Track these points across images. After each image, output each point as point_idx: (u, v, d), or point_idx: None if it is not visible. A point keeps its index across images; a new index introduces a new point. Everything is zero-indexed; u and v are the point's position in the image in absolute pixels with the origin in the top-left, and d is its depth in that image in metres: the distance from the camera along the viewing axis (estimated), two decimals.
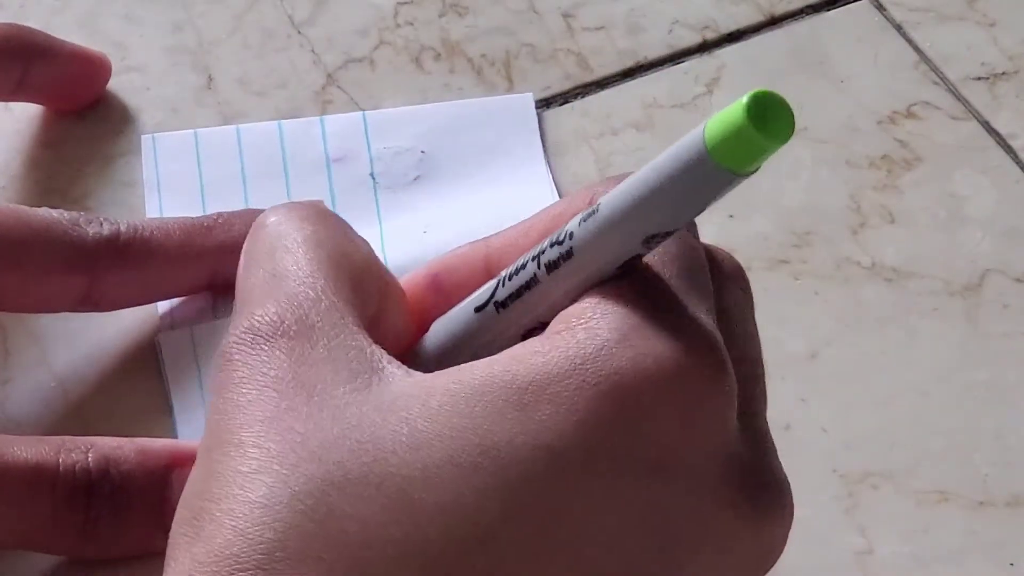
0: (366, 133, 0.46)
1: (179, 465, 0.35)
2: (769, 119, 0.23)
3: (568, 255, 0.26)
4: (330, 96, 0.48)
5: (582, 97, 0.48)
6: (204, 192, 0.45)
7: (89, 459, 0.34)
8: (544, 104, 0.48)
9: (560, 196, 0.45)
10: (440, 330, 0.30)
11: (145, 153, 0.46)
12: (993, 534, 0.38)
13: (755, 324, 0.30)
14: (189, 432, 0.39)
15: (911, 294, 0.43)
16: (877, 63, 0.49)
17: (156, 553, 0.35)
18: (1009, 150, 0.47)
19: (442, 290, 0.31)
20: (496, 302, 0.28)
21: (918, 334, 0.42)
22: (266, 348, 0.26)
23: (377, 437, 0.24)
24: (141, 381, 0.40)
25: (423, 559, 0.23)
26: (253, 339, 0.26)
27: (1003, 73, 0.49)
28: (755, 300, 0.30)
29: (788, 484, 0.28)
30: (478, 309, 0.29)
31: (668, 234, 0.26)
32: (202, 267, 0.40)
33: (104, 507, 0.34)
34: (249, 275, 0.29)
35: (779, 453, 0.28)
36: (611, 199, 0.26)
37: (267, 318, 0.27)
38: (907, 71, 0.49)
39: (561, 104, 0.48)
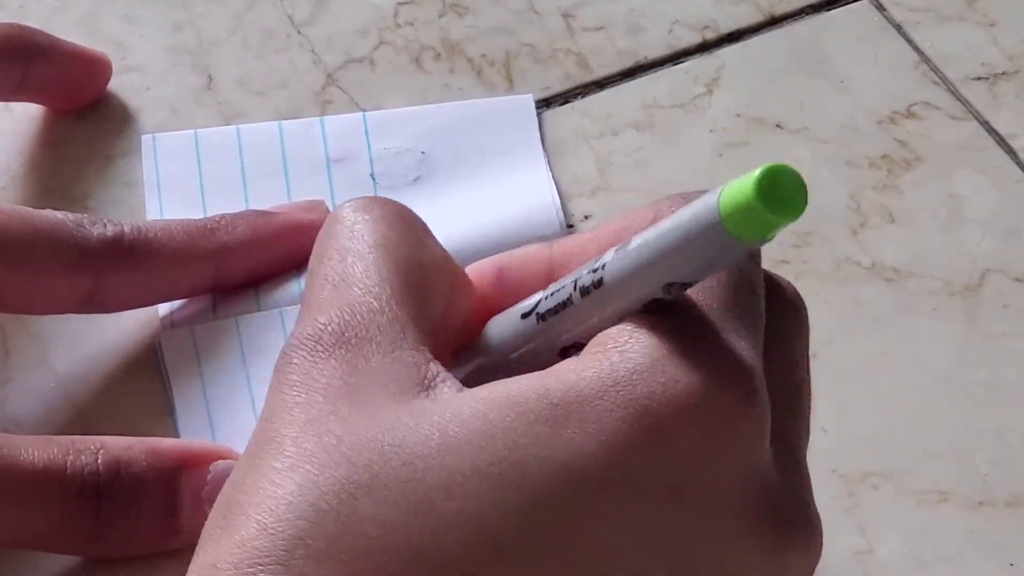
0: (366, 133, 0.46)
1: (188, 466, 0.36)
2: (780, 196, 0.23)
3: (599, 284, 0.27)
4: (330, 96, 0.48)
5: (582, 97, 0.48)
6: (204, 192, 0.45)
7: (99, 461, 0.34)
8: (544, 104, 0.48)
9: (560, 197, 0.45)
10: (493, 328, 0.31)
11: (145, 153, 0.46)
12: (993, 534, 0.38)
13: (806, 356, 0.30)
14: (190, 432, 0.39)
15: (911, 294, 0.43)
16: (877, 63, 0.49)
17: (164, 553, 0.36)
18: (1009, 150, 0.47)
19: (506, 285, 0.31)
20: (538, 313, 0.29)
21: (918, 334, 0.42)
22: (323, 356, 0.27)
23: (408, 441, 0.25)
24: (141, 381, 0.41)
25: (438, 566, 0.24)
26: (313, 346, 0.27)
27: (1003, 73, 0.49)
28: None
29: (819, 520, 0.28)
30: (524, 316, 0.29)
31: (688, 284, 0.26)
32: (205, 268, 0.40)
33: (114, 509, 0.34)
34: (319, 273, 0.29)
35: None
36: (638, 244, 0.26)
37: (329, 327, 0.27)
38: (907, 71, 0.49)
39: (561, 104, 0.48)
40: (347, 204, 0.30)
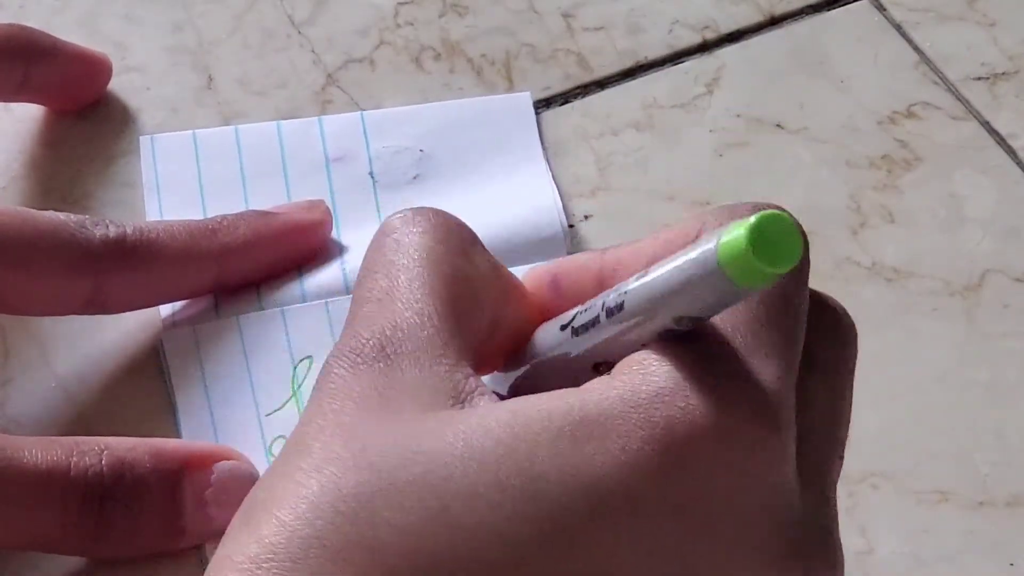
0: (365, 133, 0.46)
1: (191, 467, 0.36)
2: (773, 246, 0.24)
3: (620, 307, 0.27)
4: (330, 96, 0.48)
5: (582, 97, 0.48)
6: (204, 193, 0.45)
7: (103, 463, 0.34)
8: (544, 104, 0.48)
9: (559, 195, 0.45)
10: (540, 336, 0.31)
11: (144, 154, 0.46)
12: (993, 534, 0.38)
13: (850, 385, 0.30)
14: (192, 431, 0.39)
15: (911, 294, 0.43)
16: (877, 63, 0.49)
17: (167, 554, 0.36)
18: (1009, 150, 0.47)
19: (560, 291, 0.32)
20: (573, 328, 0.29)
21: (918, 334, 0.42)
22: (361, 368, 0.28)
23: (431, 449, 0.25)
24: (142, 381, 0.40)
25: (448, 574, 0.24)
26: (353, 358, 0.28)
27: (1003, 73, 0.49)
28: None
29: (840, 550, 0.28)
30: (563, 328, 0.30)
31: (700, 319, 0.26)
32: (207, 269, 0.40)
33: (117, 510, 0.34)
34: (364, 287, 0.29)
35: None
36: (651, 277, 0.27)
37: (371, 342, 0.28)
38: (907, 71, 0.49)
39: (561, 104, 0.48)
40: (396, 216, 0.31)
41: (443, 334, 0.28)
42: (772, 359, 0.27)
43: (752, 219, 0.24)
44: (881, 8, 0.51)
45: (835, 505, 0.28)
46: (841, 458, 0.29)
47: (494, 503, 0.24)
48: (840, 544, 0.28)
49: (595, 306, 0.28)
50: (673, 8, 0.51)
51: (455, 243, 0.30)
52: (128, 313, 0.41)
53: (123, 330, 0.41)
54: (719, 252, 0.24)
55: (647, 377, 0.26)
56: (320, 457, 0.26)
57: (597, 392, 0.26)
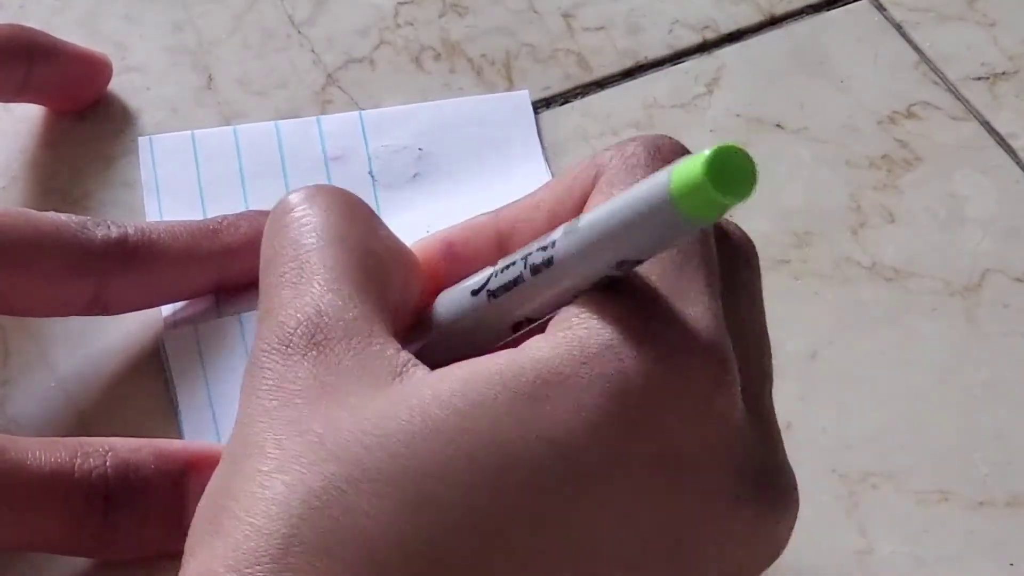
0: (363, 132, 0.46)
1: (195, 468, 0.35)
2: (730, 176, 0.23)
3: (549, 263, 0.27)
4: (330, 96, 0.48)
5: (582, 97, 0.48)
6: (203, 193, 0.45)
7: (107, 464, 0.34)
8: (544, 104, 0.48)
9: None
10: (443, 304, 0.30)
11: (142, 155, 0.46)
12: (993, 534, 0.38)
13: (760, 299, 0.30)
14: (194, 432, 0.39)
15: (911, 294, 0.43)
16: (877, 63, 0.49)
17: (169, 555, 0.36)
18: (1009, 150, 0.47)
19: (456, 258, 0.31)
20: (488, 291, 0.29)
21: (918, 334, 0.42)
22: (295, 359, 0.27)
23: (391, 430, 0.25)
24: (143, 381, 0.40)
25: (433, 556, 0.24)
26: (284, 350, 0.27)
27: (1003, 73, 0.49)
28: None
29: (793, 474, 0.28)
30: (474, 293, 0.29)
31: (640, 261, 0.26)
32: (208, 270, 0.40)
33: (121, 512, 0.34)
34: (275, 271, 0.29)
35: None
36: (588, 223, 0.26)
37: (299, 331, 0.27)
38: (907, 71, 0.49)
39: (561, 104, 0.48)
40: (292, 196, 0.30)
41: (367, 312, 0.27)
42: (703, 296, 0.27)
43: (708, 150, 0.23)
44: (881, 8, 0.51)
45: (776, 424, 0.28)
46: (771, 376, 0.29)
47: (465, 479, 0.24)
48: (792, 471, 0.28)
49: (514, 266, 0.28)
50: (673, 8, 0.51)
51: (360, 219, 0.30)
52: (130, 314, 0.41)
53: (124, 330, 0.41)
54: (672, 184, 0.24)
55: (591, 331, 0.26)
56: (277, 457, 0.25)
57: (543, 351, 0.26)
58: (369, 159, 0.46)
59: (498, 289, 0.28)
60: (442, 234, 0.32)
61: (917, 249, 0.44)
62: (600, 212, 0.26)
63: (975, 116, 0.48)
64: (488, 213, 0.32)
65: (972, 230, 0.45)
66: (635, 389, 0.25)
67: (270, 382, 0.27)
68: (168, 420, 0.39)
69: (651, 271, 0.27)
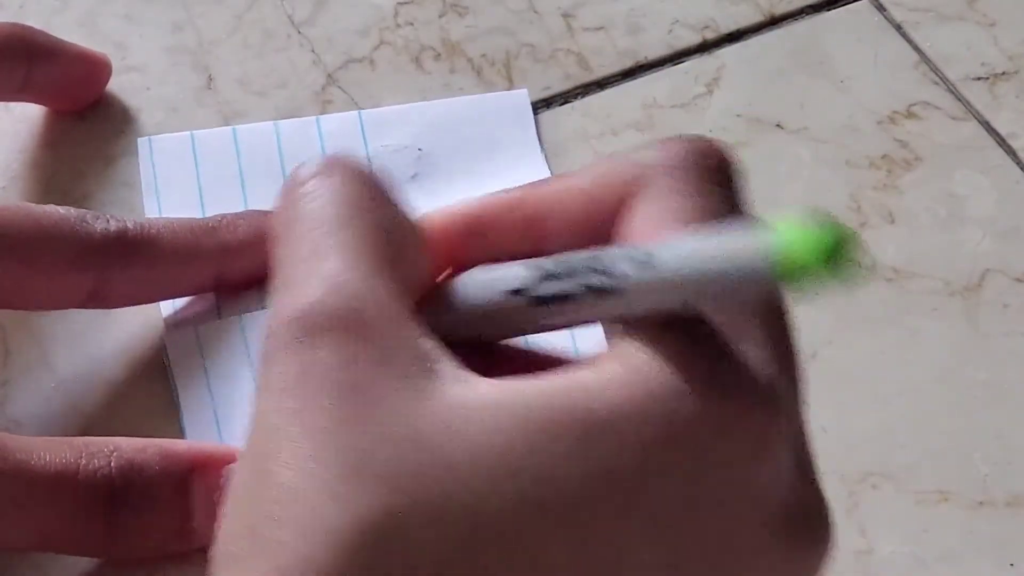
0: (363, 132, 0.46)
1: (201, 469, 0.35)
2: (834, 254, 0.23)
3: (612, 290, 0.26)
4: (330, 96, 0.48)
5: (582, 97, 0.48)
6: (202, 193, 0.45)
7: (112, 465, 0.34)
8: (544, 104, 0.48)
9: None
10: (470, 287, 0.29)
11: (142, 155, 0.46)
12: (993, 534, 0.38)
13: (792, 330, 0.29)
14: (196, 431, 0.39)
15: (911, 294, 0.43)
16: (877, 63, 0.49)
17: (175, 556, 0.36)
18: (1009, 150, 0.47)
19: (480, 236, 0.30)
20: (533, 296, 0.27)
21: (918, 334, 0.42)
22: (314, 346, 0.24)
23: (440, 459, 0.23)
24: (143, 382, 0.40)
25: None
26: (300, 334, 0.24)
27: (1003, 73, 0.49)
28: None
29: (828, 508, 0.27)
30: (515, 293, 0.28)
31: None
32: (207, 267, 0.40)
33: (126, 512, 0.34)
34: (289, 245, 0.26)
35: None
36: (666, 263, 0.25)
37: (315, 308, 0.24)
38: (907, 71, 0.49)
39: (561, 104, 0.48)
40: (305, 167, 0.28)
41: (388, 291, 0.25)
42: (759, 335, 0.26)
43: (822, 230, 0.23)
44: (881, 8, 0.51)
45: (814, 462, 0.28)
46: (803, 403, 0.29)
47: (520, 520, 0.23)
48: (828, 506, 0.28)
49: (567, 279, 0.27)
50: (673, 8, 0.51)
51: (376, 191, 0.27)
52: (130, 315, 0.41)
53: (125, 331, 0.41)
54: (776, 254, 0.23)
55: (653, 369, 0.25)
56: (320, 475, 0.23)
57: (596, 387, 0.25)
58: (368, 159, 0.46)
59: (545, 297, 0.27)
60: (466, 208, 0.30)
61: (917, 249, 0.44)
62: (680, 254, 0.25)
63: (975, 116, 0.48)
64: (511, 191, 0.29)
65: (972, 230, 0.45)
66: (698, 432, 0.25)
67: (289, 376, 0.24)
68: (169, 420, 0.39)
69: (708, 318, 0.26)
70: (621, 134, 0.47)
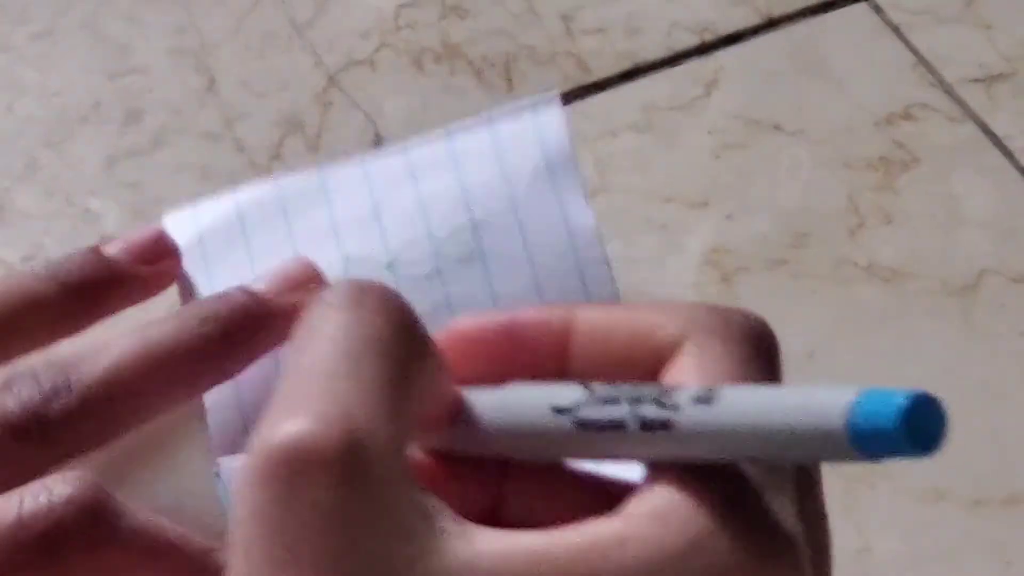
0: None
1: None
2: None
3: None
4: (331, 98, 0.48)
5: (581, 99, 0.49)
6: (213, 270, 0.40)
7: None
8: None
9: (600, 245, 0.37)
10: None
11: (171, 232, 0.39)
12: (990, 532, 0.38)
13: (824, 504, 0.29)
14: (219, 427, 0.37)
15: (908, 294, 0.43)
16: (875, 65, 0.49)
17: None
18: (1006, 151, 0.47)
19: (517, 342, 0.28)
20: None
21: (915, 334, 0.43)
22: (306, 484, 0.22)
23: None
24: None
25: None
26: (290, 466, 0.22)
27: (1000, 75, 0.49)
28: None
29: None
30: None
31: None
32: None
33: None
34: (302, 364, 0.25)
35: None
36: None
37: (310, 438, 0.22)
38: (904, 73, 0.49)
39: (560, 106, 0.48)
40: (334, 291, 0.26)
41: (397, 431, 0.24)
42: (785, 495, 0.26)
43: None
44: (879, 10, 0.51)
45: None
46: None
47: None
48: None
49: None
50: (671, 10, 0.51)
51: (405, 327, 0.26)
52: (131, 312, 0.40)
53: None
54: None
55: (682, 524, 0.24)
56: None
57: (650, 542, 0.24)
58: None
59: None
60: (506, 316, 0.28)
61: (914, 250, 0.44)
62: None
63: (972, 118, 0.48)
64: (557, 307, 0.28)
65: (969, 231, 0.45)
66: None
67: (276, 521, 0.22)
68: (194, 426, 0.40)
69: (738, 470, 0.26)
70: (620, 136, 0.47)
